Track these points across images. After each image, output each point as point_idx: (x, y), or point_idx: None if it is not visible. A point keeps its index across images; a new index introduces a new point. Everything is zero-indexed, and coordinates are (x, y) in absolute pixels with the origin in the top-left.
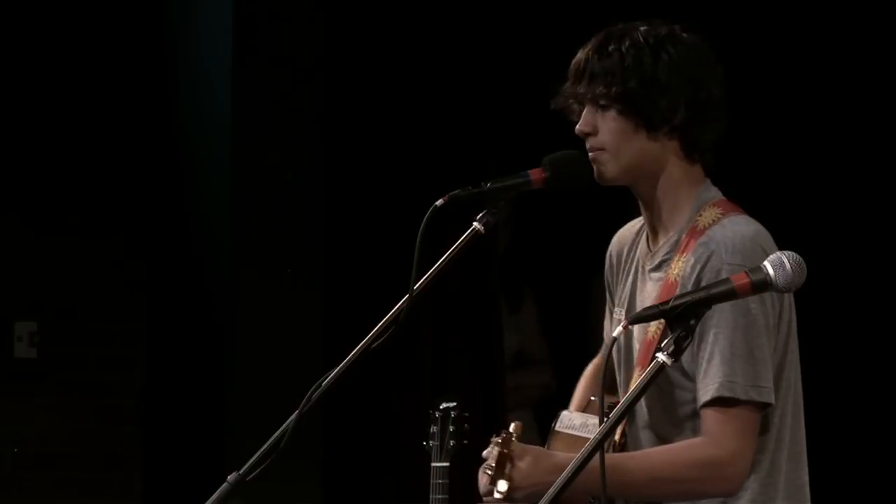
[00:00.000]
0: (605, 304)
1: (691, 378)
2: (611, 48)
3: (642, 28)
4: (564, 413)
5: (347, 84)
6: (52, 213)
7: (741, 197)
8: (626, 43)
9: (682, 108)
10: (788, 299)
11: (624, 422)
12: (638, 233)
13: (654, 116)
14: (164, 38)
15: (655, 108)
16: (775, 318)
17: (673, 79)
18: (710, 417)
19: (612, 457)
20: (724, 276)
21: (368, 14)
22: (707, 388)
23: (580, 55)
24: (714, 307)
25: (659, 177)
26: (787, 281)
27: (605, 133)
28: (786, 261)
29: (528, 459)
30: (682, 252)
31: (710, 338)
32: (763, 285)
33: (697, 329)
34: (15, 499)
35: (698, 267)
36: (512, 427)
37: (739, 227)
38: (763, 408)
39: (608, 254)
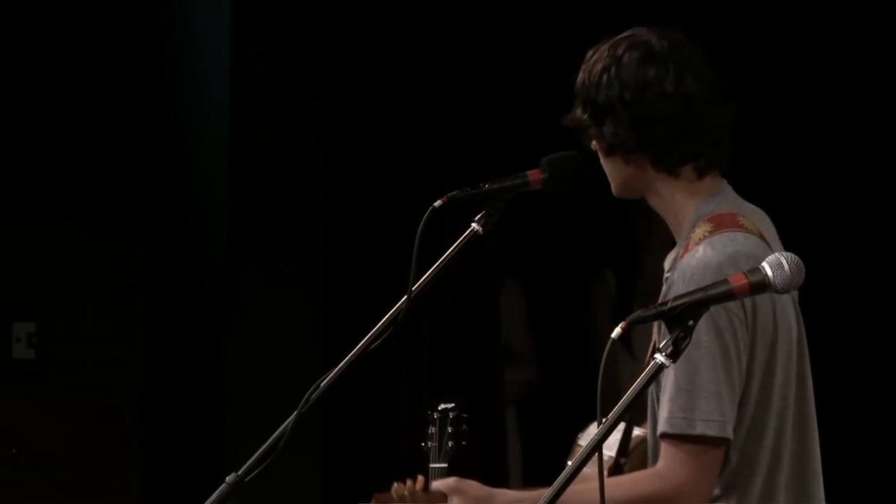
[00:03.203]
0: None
1: None
2: (580, 71)
3: (604, 46)
4: (593, 426)
5: (346, 84)
6: (50, 214)
7: (742, 197)
8: (586, 66)
9: (624, 130)
10: (783, 322)
11: (631, 445)
12: None
13: (607, 142)
14: (163, 40)
15: (602, 135)
16: (743, 346)
17: (610, 101)
18: (662, 450)
19: (569, 490)
20: None
21: (368, 14)
22: (660, 422)
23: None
24: None
25: (650, 194)
26: (785, 282)
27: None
28: (784, 262)
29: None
30: (675, 271)
31: (669, 370)
32: (761, 286)
33: None
34: (13, 500)
35: (666, 292)
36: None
37: (709, 254)
38: (720, 442)
39: None
